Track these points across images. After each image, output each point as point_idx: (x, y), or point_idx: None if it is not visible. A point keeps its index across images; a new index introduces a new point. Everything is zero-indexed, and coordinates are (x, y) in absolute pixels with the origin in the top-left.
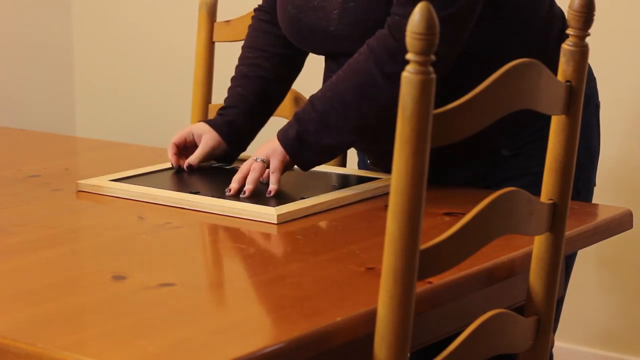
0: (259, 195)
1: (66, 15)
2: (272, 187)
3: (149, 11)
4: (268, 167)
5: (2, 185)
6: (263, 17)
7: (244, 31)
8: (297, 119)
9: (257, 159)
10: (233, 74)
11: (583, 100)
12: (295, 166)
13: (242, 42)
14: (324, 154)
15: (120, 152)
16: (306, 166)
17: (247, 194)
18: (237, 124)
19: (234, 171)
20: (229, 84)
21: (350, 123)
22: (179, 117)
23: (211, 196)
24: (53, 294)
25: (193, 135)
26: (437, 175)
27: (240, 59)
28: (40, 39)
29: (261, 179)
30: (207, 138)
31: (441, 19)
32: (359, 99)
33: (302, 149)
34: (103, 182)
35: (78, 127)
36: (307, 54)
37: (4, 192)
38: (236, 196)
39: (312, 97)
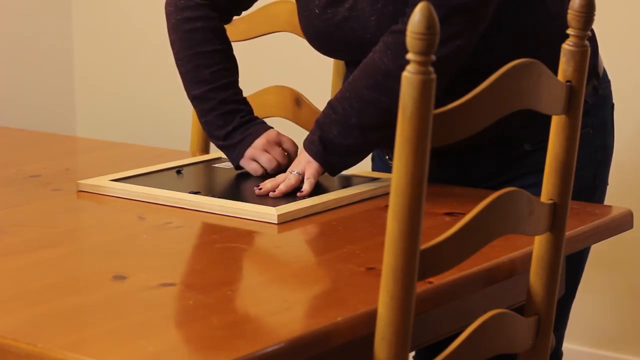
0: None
1: (66, 15)
2: (305, 188)
3: (149, 11)
4: (303, 179)
5: (2, 185)
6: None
7: (246, 31)
8: (319, 125)
9: (292, 172)
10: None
11: (601, 101)
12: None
13: (243, 42)
14: (350, 156)
15: (121, 152)
16: (334, 171)
17: (277, 193)
18: None
19: (234, 171)
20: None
21: (371, 120)
22: (179, 117)
23: (211, 196)
24: (53, 294)
25: (272, 144)
26: (462, 168)
27: (214, 64)
28: (40, 39)
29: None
30: (285, 138)
31: (453, 7)
32: (377, 95)
33: (328, 154)
34: (103, 182)
35: (78, 127)
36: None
37: (4, 192)
38: (265, 195)
39: (330, 101)
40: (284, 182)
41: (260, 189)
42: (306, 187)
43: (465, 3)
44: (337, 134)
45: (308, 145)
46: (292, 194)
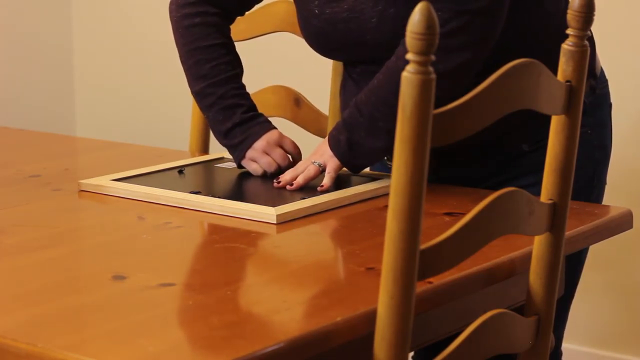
0: (290, 192)
1: (66, 15)
2: (326, 182)
3: (149, 11)
4: (322, 171)
5: (2, 185)
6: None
7: (245, 31)
8: (346, 125)
9: (314, 162)
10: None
11: (598, 101)
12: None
13: (242, 42)
14: (376, 156)
15: (121, 152)
16: (358, 170)
17: (294, 186)
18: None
19: (235, 171)
20: None
21: None
22: (179, 117)
23: (212, 196)
24: (53, 294)
25: (273, 146)
26: (462, 168)
27: (214, 58)
28: (40, 39)
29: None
30: (287, 140)
31: (473, 11)
32: None
33: (355, 156)
34: (105, 182)
35: (78, 127)
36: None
37: (4, 192)
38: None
39: (356, 101)
40: (303, 173)
41: (279, 181)
42: (327, 181)
43: (484, 6)
44: (365, 135)
45: (334, 143)
46: (310, 187)
